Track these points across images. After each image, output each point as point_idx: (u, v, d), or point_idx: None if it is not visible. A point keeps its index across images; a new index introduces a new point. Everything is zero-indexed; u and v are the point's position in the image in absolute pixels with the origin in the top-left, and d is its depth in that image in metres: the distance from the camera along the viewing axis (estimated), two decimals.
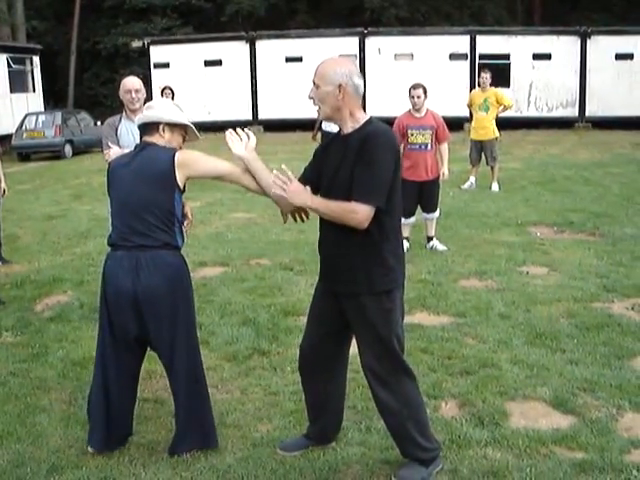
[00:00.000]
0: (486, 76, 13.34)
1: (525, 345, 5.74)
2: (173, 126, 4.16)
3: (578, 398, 4.77)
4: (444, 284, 7.43)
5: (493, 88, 13.75)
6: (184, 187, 4.07)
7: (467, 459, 4.05)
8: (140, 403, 4.81)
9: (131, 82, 6.35)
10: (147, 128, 4.17)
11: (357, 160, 3.54)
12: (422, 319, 6.43)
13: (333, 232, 3.67)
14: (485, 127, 13.65)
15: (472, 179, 13.92)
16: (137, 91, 6.30)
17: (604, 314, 6.40)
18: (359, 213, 3.52)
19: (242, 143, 3.97)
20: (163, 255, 3.99)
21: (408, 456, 3.94)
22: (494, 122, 13.78)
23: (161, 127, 4.12)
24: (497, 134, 13.85)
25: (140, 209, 3.98)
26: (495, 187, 13.55)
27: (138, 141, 6.26)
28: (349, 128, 3.69)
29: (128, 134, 6.28)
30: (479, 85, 13.89)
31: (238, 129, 4.04)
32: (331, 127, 13.74)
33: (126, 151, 6.16)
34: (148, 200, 3.97)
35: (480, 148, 13.77)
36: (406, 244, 8.94)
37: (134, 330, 4.06)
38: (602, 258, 8.30)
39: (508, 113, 26.89)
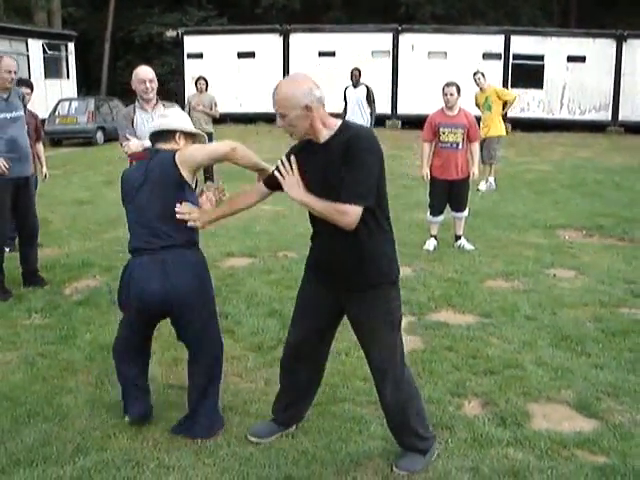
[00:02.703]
0: (478, 76, 13.04)
1: (550, 347, 5.73)
2: (187, 135, 4.38)
3: (602, 402, 4.76)
4: (471, 283, 7.43)
5: (492, 86, 13.42)
6: (196, 183, 4.33)
7: (488, 458, 4.06)
8: (165, 389, 4.89)
9: (144, 72, 6.32)
10: (163, 135, 4.34)
11: (344, 164, 3.59)
12: (448, 317, 6.44)
13: (335, 235, 3.71)
14: (487, 125, 13.57)
15: (490, 179, 13.79)
16: (151, 81, 6.27)
17: (631, 320, 6.36)
18: (348, 214, 3.58)
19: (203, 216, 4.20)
20: (187, 254, 4.20)
21: (408, 448, 4.01)
22: (498, 119, 13.67)
23: (177, 135, 4.33)
24: (502, 132, 13.75)
25: (161, 213, 4.15)
26: (483, 186, 13.38)
27: None
28: (326, 136, 3.72)
29: (144, 124, 6.25)
30: (477, 85, 13.71)
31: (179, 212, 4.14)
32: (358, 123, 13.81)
33: (146, 143, 6.22)
34: (166, 203, 4.14)
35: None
36: (434, 242, 8.95)
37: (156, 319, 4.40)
38: (630, 263, 8.25)
39: (540, 114, 26.99)
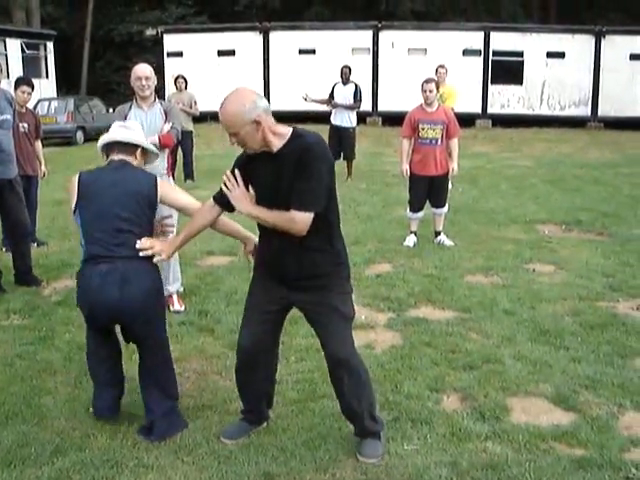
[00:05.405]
0: (442, 71, 12.75)
1: (529, 342, 5.76)
2: (145, 150, 4.52)
3: (580, 395, 4.79)
4: (450, 279, 7.45)
5: (449, 84, 12.96)
6: None
7: (467, 452, 4.07)
8: None
9: (142, 69, 6.35)
10: (126, 147, 4.40)
11: (296, 173, 3.64)
12: (427, 313, 6.46)
13: (285, 238, 3.75)
14: None
15: None
16: (147, 78, 6.30)
17: (609, 313, 6.41)
18: (298, 222, 3.66)
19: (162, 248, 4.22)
20: (145, 265, 4.17)
21: (366, 433, 4.08)
22: None
23: (139, 150, 4.45)
24: None
25: (126, 223, 4.14)
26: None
27: (147, 129, 6.30)
28: (278, 145, 3.74)
29: (137, 122, 6.30)
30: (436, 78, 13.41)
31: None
32: (342, 122, 13.84)
33: None
34: (135, 215, 4.17)
35: None
36: (414, 238, 8.98)
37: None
38: (609, 258, 8.30)
39: (520, 110, 27.13)
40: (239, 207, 3.80)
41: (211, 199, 4.10)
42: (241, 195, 3.80)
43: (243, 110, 3.63)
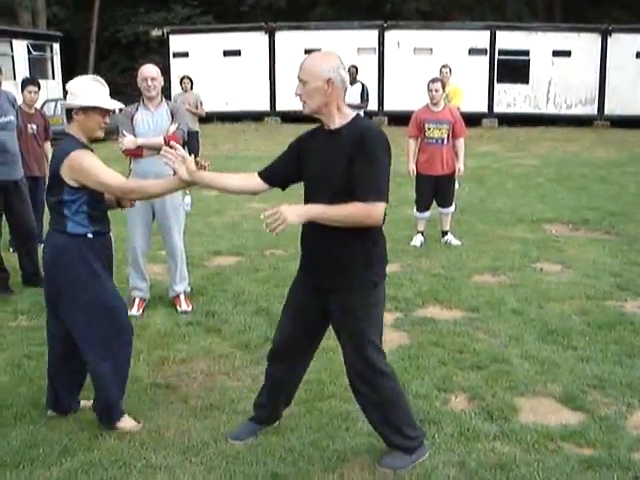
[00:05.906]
0: (446, 70, 12.64)
1: (536, 341, 5.75)
2: (86, 108, 4.17)
3: (588, 395, 4.78)
4: (457, 279, 7.44)
5: (453, 84, 12.96)
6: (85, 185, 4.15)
7: (475, 452, 4.07)
8: (152, 388, 4.89)
9: (148, 70, 6.35)
10: (67, 114, 4.34)
11: (357, 157, 3.52)
12: (435, 313, 6.45)
13: (322, 229, 3.64)
14: None
15: None
16: (153, 79, 6.29)
17: (616, 312, 6.39)
18: (377, 213, 3.53)
19: (182, 166, 3.93)
20: (52, 236, 4.28)
21: (392, 445, 3.98)
22: None
23: (73, 112, 4.21)
24: None
25: (48, 201, 4.29)
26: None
27: (154, 130, 6.31)
28: (337, 123, 3.67)
29: (143, 123, 6.29)
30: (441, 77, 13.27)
31: (167, 149, 4.01)
32: None
33: (139, 140, 6.21)
34: (47, 190, 4.26)
35: None
36: (421, 238, 8.97)
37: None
38: (617, 257, 8.29)
39: (527, 109, 27.07)
40: (296, 219, 3.53)
41: (256, 175, 3.96)
42: (287, 209, 3.48)
43: (324, 65, 3.60)
